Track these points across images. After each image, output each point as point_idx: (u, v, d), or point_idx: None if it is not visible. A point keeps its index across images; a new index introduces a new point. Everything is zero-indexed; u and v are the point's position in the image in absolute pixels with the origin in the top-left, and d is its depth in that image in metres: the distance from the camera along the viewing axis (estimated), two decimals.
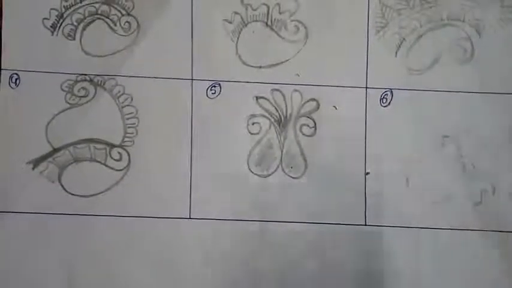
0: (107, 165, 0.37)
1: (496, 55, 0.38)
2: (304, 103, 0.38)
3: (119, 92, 0.38)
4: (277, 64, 0.38)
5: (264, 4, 0.38)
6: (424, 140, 0.38)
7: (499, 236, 0.38)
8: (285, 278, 0.37)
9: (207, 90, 0.38)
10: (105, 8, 0.37)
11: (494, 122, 0.38)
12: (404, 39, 0.38)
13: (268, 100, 0.38)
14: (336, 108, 0.38)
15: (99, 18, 0.37)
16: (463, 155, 0.38)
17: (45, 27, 0.37)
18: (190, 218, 0.37)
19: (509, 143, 0.38)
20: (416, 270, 0.37)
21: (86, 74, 0.37)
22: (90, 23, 0.37)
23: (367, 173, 0.38)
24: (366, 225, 0.38)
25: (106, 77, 0.38)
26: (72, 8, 0.37)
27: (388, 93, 0.38)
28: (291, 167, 0.38)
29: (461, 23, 0.38)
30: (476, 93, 0.38)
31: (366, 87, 0.38)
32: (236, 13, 0.38)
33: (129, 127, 0.38)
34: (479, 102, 0.38)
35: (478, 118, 0.38)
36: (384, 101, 0.38)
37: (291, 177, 0.38)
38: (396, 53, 0.38)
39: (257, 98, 0.38)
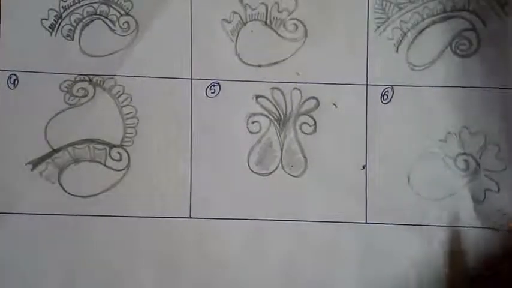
0: (106, 166, 0.37)
1: (501, 46, 0.37)
2: (304, 101, 0.38)
3: (118, 92, 0.38)
4: (276, 63, 0.38)
5: (263, 3, 0.38)
6: (426, 137, 0.38)
7: (503, 234, 0.37)
8: (286, 277, 0.37)
9: (206, 89, 0.38)
10: (103, 8, 0.37)
11: (499, 118, 0.37)
12: (405, 34, 0.38)
13: (267, 99, 0.38)
14: (336, 106, 0.38)
15: (97, 19, 0.37)
16: (466, 152, 0.38)
17: (44, 27, 0.37)
18: (190, 218, 0.37)
19: None
20: (417, 269, 0.37)
21: (85, 74, 0.37)
22: (88, 23, 0.37)
23: (364, 166, 0.37)
24: (366, 223, 0.37)
25: (105, 77, 0.38)
26: (71, 8, 0.37)
27: (389, 89, 0.38)
28: (291, 166, 0.38)
29: (465, 13, 0.38)
30: (480, 88, 0.38)
31: (367, 84, 0.38)
32: (235, 12, 0.38)
33: (128, 127, 0.38)
34: (483, 97, 0.37)
35: (482, 114, 0.37)
36: (385, 98, 0.38)
37: (292, 175, 0.38)
38: (397, 48, 0.38)
39: (257, 96, 0.38)
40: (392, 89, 0.38)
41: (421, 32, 0.38)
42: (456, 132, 0.38)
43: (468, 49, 0.38)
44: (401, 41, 0.38)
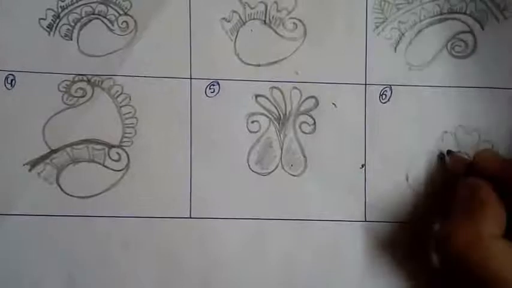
0: (105, 166, 0.37)
1: (498, 48, 0.38)
2: (304, 100, 0.38)
3: (117, 91, 0.37)
4: (275, 62, 0.38)
5: (262, 2, 0.38)
6: (423, 136, 0.38)
7: None
8: (287, 276, 0.37)
9: (205, 89, 0.38)
10: (102, 7, 0.37)
11: (495, 117, 0.38)
12: (403, 34, 0.38)
13: (267, 98, 0.38)
14: (336, 106, 0.38)
15: (96, 18, 0.37)
16: (462, 150, 0.38)
17: (42, 27, 0.37)
18: (190, 218, 0.37)
19: (511, 139, 0.38)
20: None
21: (83, 74, 0.37)
22: (87, 23, 0.37)
23: (363, 165, 0.38)
24: (365, 221, 0.38)
25: (104, 76, 0.37)
26: (69, 8, 0.37)
27: (388, 89, 0.38)
28: (291, 165, 0.38)
29: (463, 15, 0.38)
30: (478, 87, 0.38)
31: (365, 84, 0.38)
32: (234, 11, 0.38)
33: (127, 127, 0.37)
34: (480, 97, 0.38)
35: (479, 113, 0.38)
36: (383, 98, 0.38)
37: (291, 175, 0.38)
38: (395, 48, 0.38)
39: (256, 96, 0.38)
40: (390, 88, 0.38)
41: (418, 32, 0.38)
42: (452, 131, 0.38)
43: (464, 51, 0.38)
44: (399, 41, 0.38)
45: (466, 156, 0.37)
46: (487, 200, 0.32)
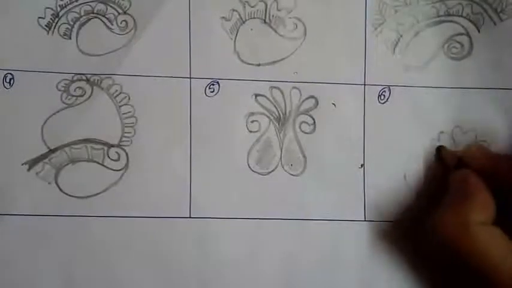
0: (104, 166, 0.37)
1: (494, 50, 0.39)
2: (303, 100, 0.38)
3: (116, 91, 0.37)
4: (275, 61, 0.38)
5: (262, 1, 0.38)
6: (421, 136, 0.38)
7: None
8: (287, 276, 0.37)
9: (205, 88, 0.38)
10: (101, 6, 0.37)
11: (492, 117, 0.39)
12: (401, 36, 0.38)
13: (267, 98, 0.38)
14: (335, 106, 0.38)
15: (95, 17, 0.37)
16: (458, 149, 0.39)
17: (41, 26, 0.37)
18: (190, 217, 0.37)
19: (507, 139, 0.39)
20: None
21: (82, 74, 0.37)
22: (86, 22, 0.37)
23: (362, 165, 0.38)
24: (365, 220, 0.38)
25: (103, 76, 0.37)
26: (68, 7, 0.37)
27: (386, 90, 0.38)
28: (291, 165, 0.38)
29: (459, 18, 0.39)
30: (474, 88, 0.39)
31: (364, 84, 0.38)
32: (234, 10, 0.38)
33: (126, 126, 0.37)
34: (477, 97, 0.38)
35: (475, 114, 0.39)
36: (382, 98, 0.38)
37: (291, 174, 0.38)
38: (394, 49, 0.38)
39: (256, 95, 0.38)
40: (389, 89, 0.38)
41: (416, 34, 0.38)
42: (449, 131, 0.39)
43: (460, 52, 0.39)
44: (397, 42, 0.38)
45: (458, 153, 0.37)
46: (475, 189, 0.33)
